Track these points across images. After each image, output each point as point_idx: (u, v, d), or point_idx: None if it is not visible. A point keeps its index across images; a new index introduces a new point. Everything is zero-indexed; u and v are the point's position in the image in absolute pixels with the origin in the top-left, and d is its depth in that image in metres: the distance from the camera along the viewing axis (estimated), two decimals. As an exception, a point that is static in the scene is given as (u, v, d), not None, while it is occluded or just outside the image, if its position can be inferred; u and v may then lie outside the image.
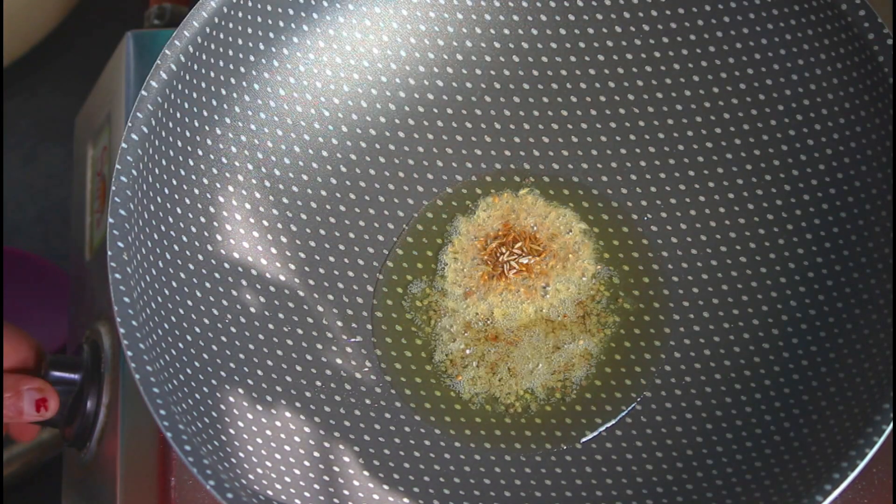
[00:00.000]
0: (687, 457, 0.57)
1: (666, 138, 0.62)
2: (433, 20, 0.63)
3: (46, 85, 0.91)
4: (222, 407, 0.56)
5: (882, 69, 0.57)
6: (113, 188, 0.55)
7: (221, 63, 0.59)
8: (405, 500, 0.56)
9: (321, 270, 0.60)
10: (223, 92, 0.59)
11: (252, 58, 0.60)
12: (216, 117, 0.59)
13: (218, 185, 0.59)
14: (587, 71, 0.62)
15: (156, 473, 0.60)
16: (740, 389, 0.58)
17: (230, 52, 0.59)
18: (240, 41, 0.59)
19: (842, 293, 0.58)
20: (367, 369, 0.59)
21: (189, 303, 0.57)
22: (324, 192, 0.61)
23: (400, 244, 0.61)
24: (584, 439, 0.58)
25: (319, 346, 0.59)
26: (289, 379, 0.58)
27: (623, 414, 0.58)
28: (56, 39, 0.89)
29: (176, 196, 0.58)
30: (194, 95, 0.58)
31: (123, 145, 0.56)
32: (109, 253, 0.54)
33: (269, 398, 0.57)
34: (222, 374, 0.56)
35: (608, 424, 0.58)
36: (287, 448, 0.56)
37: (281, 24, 0.60)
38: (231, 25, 0.59)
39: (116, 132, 0.67)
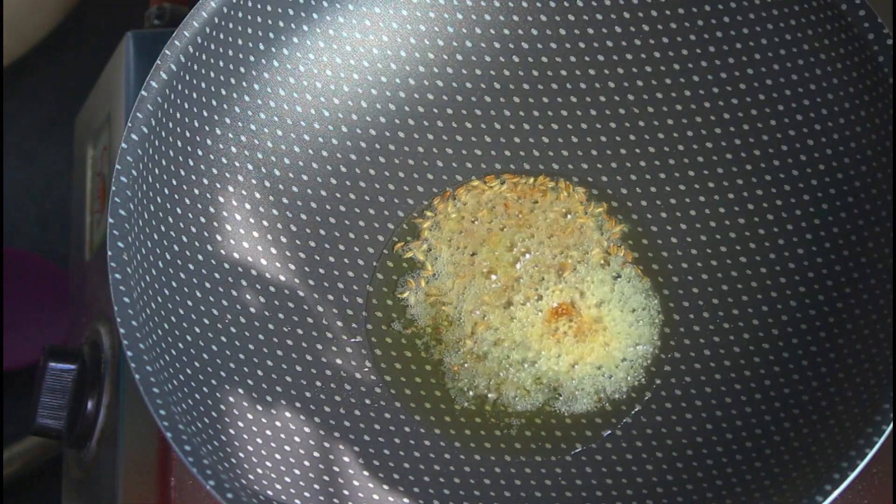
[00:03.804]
0: (687, 457, 0.57)
1: (666, 138, 0.62)
2: (433, 20, 0.63)
3: (46, 85, 0.91)
4: (222, 407, 0.56)
5: (882, 69, 0.57)
6: (113, 188, 0.55)
7: (221, 63, 0.59)
8: (405, 500, 0.56)
9: (321, 270, 0.60)
10: (223, 92, 0.59)
11: (252, 58, 0.60)
12: (216, 117, 0.59)
13: (218, 185, 0.59)
14: (587, 71, 0.62)
15: (156, 473, 0.60)
16: (740, 389, 0.58)
17: (230, 52, 0.59)
18: (240, 41, 0.59)
19: (842, 293, 0.58)
20: (367, 369, 0.59)
21: (189, 303, 0.57)
22: (324, 192, 0.61)
23: (401, 244, 0.61)
24: (583, 441, 0.58)
25: (319, 346, 0.59)
26: (289, 379, 0.58)
27: (623, 415, 0.58)
28: (56, 39, 0.89)
29: (176, 196, 0.58)
30: (194, 95, 0.58)
31: (123, 145, 0.56)
32: (109, 253, 0.54)
33: (269, 398, 0.57)
34: (222, 374, 0.56)
35: (609, 426, 0.58)
36: (287, 448, 0.56)
37: (281, 24, 0.60)
38: (231, 25, 0.59)
39: (116, 132, 0.67)
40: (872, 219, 0.58)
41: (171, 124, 0.57)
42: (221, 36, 0.59)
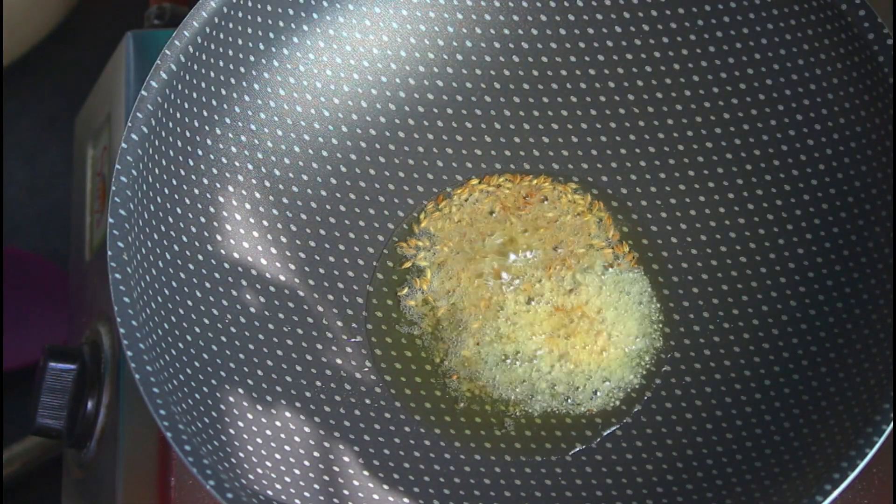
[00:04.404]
0: (687, 457, 0.57)
1: (666, 138, 0.62)
2: (433, 20, 0.63)
3: (46, 85, 0.91)
4: (222, 407, 0.56)
5: (882, 69, 0.57)
6: (113, 188, 0.55)
7: (221, 63, 0.59)
8: (405, 500, 0.56)
9: (321, 270, 0.60)
10: (223, 92, 0.59)
11: (252, 58, 0.60)
12: (216, 117, 0.59)
13: (218, 185, 0.59)
14: (587, 71, 0.62)
15: (156, 473, 0.60)
16: (740, 389, 0.58)
17: (230, 52, 0.59)
18: (240, 41, 0.59)
19: (842, 293, 0.58)
20: (367, 369, 0.59)
21: (189, 303, 0.57)
22: (324, 192, 0.61)
23: (400, 244, 0.61)
24: (583, 441, 0.58)
25: (319, 346, 0.59)
26: (289, 379, 0.58)
27: (623, 415, 0.58)
28: (56, 39, 0.89)
29: (176, 196, 0.58)
30: (194, 95, 0.58)
31: (123, 145, 0.56)
32: (109, 253, 0.54)
33: (269, 398, 0.57)
34: (222, 374, 0.56)
35: (609, 426, 0.58)
36: (287, 448, 0.56)
37: (281, 24, 0.60)
38: (231, 25, 0.59)
39: (116, 132, 0.67)
40: (872, 219, 0.58)
41: (171, 124, 0.57)
42: (221, 36, 0.59)
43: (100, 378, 0.62)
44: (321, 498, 0.55)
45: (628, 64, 0.62)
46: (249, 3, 0.59)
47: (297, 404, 0.57)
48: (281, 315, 0.59)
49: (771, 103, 0.61)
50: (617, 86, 0.62)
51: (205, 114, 0.59)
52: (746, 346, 0.58)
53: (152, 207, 0.57)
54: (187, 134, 0.58)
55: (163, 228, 0.57)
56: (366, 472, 0.57)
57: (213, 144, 0.59)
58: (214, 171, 0.59)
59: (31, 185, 0.89)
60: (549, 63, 0.63)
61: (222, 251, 0.59)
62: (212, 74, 0.59)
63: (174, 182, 0.58)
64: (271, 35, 0.60)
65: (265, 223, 0.60)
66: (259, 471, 0.55)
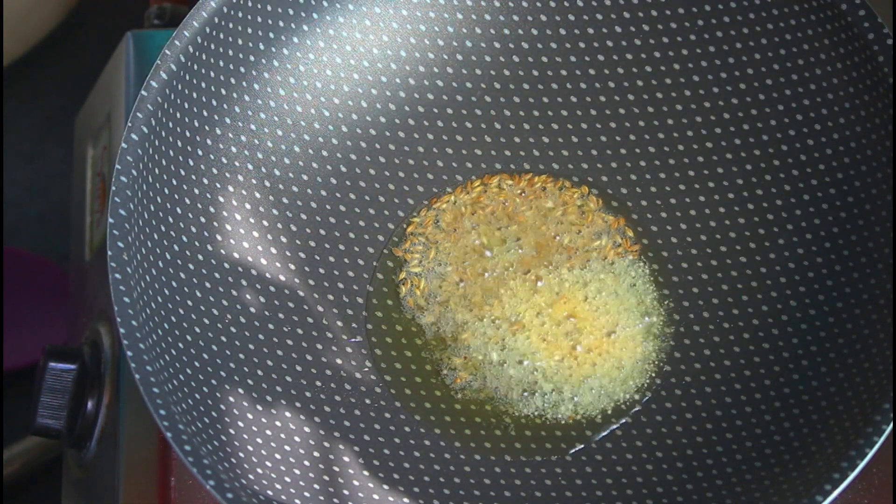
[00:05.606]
0: (687, 457, 0.57)
1: (666, 138, 0.62)
2: (433, 20, 0.63)
3: (46, 85, 0.91)
4: (222, 407, 0.56)
5: (882, 69, 0.57)
6: (113, 188, 0.55)
7: (221, 63, 0.59)
8: (405, 500, 0.56)
9: (321, 270, 0.60)
10: (223, 92, 0.59)
11: (252, 58, 0.60)
12: (216, 117, 0.59)
13: (218, 185, 0.59)
14: (587, 71, 0.62)
15: (156, 473, 0.60)
16: (740, 389, 0.58)
17: (230, 52, 0.59)
18: (240, 41, 0.59)
19: (842, 293, 0.58)
20: (367, 369, 0.59)
21: (189, 303, 0.57)
22: (324, 192, 0.61)
23: (400, 244, 0.61)
24: (583, 441, 0.58)
25: (319, 346, 0.59)
26: (289, 379, 0.58)
27: (623, 415, 0.58)
28: (56, 39, 0.89)
29: (176, 196, 0.58)
30: (194, 95, 0.58)
31: (123, 145, 0.56)
32: (109, 253, 0.54)
33: (269, 398, 0.57)
34: (222, 374, 0.56)
35: (609, 426, 0.58)
36: (287, 448, 0.56)
37: (281, 24, 0.60)
38: (231, 25, 0.59)
39: (116, 132, 0.67)
40: (872, 219, 0.58)
41: (171, 124, 0.57)
42: (221, 36, 0.59)
43: (100, 378, 0.62)
44: (321, 498, 0.55)
45: (628, 64, 0.62)
46: (249, 3, 0.59)
47: (297, 404, 0.57)
48: (281, 315, 0.59)
49: (771, 103, 0.61)
50: (617, 86, 0.62)
51: (205, 114, 0.59)
52: (746, 346, 0.58)
53: (152, 207, 0.57)
54: (187, 134, 0.58)
55: (163, 228, 0.57)
56: (366, 472, 0.57)
57: (213, 144, 0.59)
58: (214, 171, 0.59)
59: (31, 185, 0.89)
60: (549, 63, 0.63)
61: (222, 251, 0.59)
62: (212, 74, 0.59)
63: (174, 182, 0.58)
64: (271, 35, 0.60)
65: (265, 223, 0.60)
66: (259, 471, 0.55)
